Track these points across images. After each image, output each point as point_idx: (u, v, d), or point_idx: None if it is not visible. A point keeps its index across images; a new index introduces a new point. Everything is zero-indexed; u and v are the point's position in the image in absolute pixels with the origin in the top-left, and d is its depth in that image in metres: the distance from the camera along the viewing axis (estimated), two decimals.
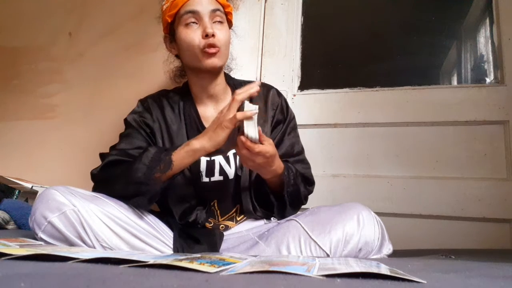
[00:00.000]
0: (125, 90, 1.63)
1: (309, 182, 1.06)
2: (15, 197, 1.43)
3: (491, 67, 1.38)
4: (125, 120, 1.06)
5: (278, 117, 1.08)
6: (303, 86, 1.54)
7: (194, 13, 0.97)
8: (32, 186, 1.43)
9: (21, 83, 1.84)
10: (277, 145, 1.04)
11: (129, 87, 1.62)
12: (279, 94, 1.12)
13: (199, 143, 0.88)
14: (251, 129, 0.83)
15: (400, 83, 1.44)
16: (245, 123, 0.84)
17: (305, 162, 1.08)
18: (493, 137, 1.31)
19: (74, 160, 1.65)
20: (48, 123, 1.75)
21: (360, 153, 1.44)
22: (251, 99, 0.90)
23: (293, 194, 0.97)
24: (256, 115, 0.83)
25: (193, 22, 0.98)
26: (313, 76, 1.58)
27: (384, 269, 0.53)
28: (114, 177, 0.92)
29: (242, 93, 0.85)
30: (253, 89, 0.85)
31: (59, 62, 1.78)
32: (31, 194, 1.44)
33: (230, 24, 1.07)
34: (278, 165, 0.92)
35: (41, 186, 1.45)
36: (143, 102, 1.08)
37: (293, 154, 1.05)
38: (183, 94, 1.08)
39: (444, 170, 1.34)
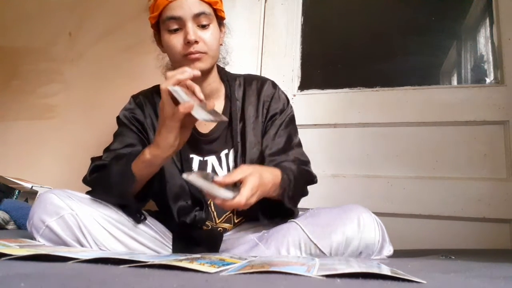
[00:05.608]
0: (125, 90, 1.61)
1: (309, 176, 1.01)
2: (15, 197, 1.43)
3: (491, 67, 1.38)
4: (117, 118, 1.04)
5: (273, 108, 1.02)
6: (303, 86, 1.54)
7: (176, 19, 0.90)
8: (32, 186, 1.43)
9: (21, 83, 1.84)
10: (272, 138, 1.00)
11: (129, 87, 1.60)
12: (274, 85, 1.06)
13: (150, 152, 0.82)
14: (201, 114, 0.72)
15: (400, 83, 1.44)
16: (195, 113, 0.72)
17: (303, 155, 1.02)
18: (493, 137, 1.31)
19: (74, 160, 1.65)
20: (47, 123, 1.75)
21: (360, 153, 1.44)
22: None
23: (294, 196, 0.93)
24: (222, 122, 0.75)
25: (176, 29, 0.91)
26: (313, 76, 1.58)
27: (384, 269, 0.53)
28: (98, 185, 0.92)
29: (169, 79, 0.76)
30: (183, 74, 0.77)
31: (59, 62, 1.78)
32: (31, 194, 1.44)
33: (221, 19, 0.99)
34: (272, 179, 0.84)
35: (41, 186, 1.45)
36: (135, 98, 1.06)
37: (290, 148, 1.00)
38: None
39: (444, 170, 1.34)
